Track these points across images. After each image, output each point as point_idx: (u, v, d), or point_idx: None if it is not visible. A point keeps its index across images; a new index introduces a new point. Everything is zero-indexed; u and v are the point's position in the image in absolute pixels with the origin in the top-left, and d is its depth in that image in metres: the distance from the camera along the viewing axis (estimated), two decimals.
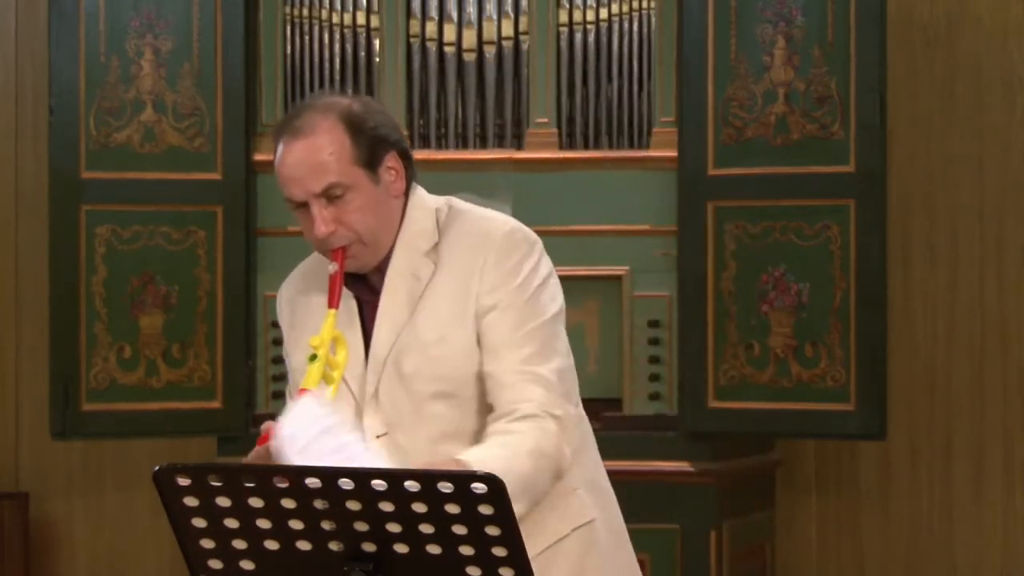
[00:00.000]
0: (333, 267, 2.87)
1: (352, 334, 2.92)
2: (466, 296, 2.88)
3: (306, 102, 2.98)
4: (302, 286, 3.06)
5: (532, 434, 2.82)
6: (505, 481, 2.44)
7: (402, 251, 2.92)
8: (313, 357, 2.81)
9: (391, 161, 2.90)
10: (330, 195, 2.84)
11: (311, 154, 2.84)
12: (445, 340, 2.87)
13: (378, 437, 2.89)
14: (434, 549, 2.44)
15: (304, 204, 2.86)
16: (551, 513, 2.92)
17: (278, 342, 5.53)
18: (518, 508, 2.65)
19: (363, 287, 2.96)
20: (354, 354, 2.90)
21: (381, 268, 2.94)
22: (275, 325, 5.44)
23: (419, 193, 2.98)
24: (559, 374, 2.89)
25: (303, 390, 2.79)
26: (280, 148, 2.88)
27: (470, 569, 2.45)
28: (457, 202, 2.99)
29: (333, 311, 2.85)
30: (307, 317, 3.00)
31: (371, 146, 2.87)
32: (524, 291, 2.89)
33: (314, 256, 3.05)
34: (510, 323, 2.87)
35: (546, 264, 2.94)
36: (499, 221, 2.95)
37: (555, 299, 2.94)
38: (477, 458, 2.73)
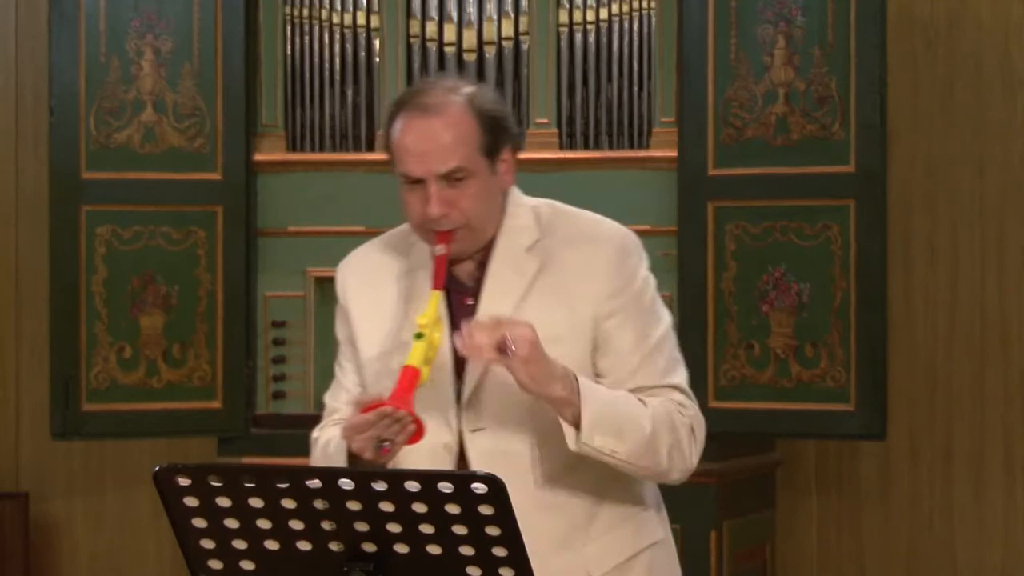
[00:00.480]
0: (440, 249, 2.85)
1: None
2: (580, 298, 2.87)
3: (431, 81, 2.98)
4: (370, 272, 3.02)
5: (668, 406, 2.86)
6: (610, 412, 2.60)
7: (504, 245, 2.91)
8: (419, 335, 2.77)
9: (506, 154, 2.91)
10: (451, 177, 2.83)
11: (440, 134, 2.83)
12: (561, 340, 2.84)
13: (473, 431, 2.87)
14: (434, 549, 2.44)
15: (418, 181, 2.85)
16: (628, 529, 2.94)
17: (278, 342, 5.56)
18: (621, 446, 2.75)
19: (449, 280, 2.93)
20: (444, 347, 2.86)
21: (475, 263, 2.92)
22: (275, 325, 5.50)
23: (515, 191, 2.98)
24: (688, 382, 2.95)
25: (408, 367, 2.74)
26: (402, 122, 2.87)
27: (470, 569, 2.45)
28: (558, 203, 3.00)
29: (439, 292, 2.84)
30: (378, 304, 2.98)
31: (495, 136, 2.87)
32: (643, 297, 2.91)
33: (379, 243, 3.06)
34: (633, 336, 2.88)
35: (649, 272, 2.97)
36: (610, 224, 2.96)
37: (663, 306, 2.97)
38: (593, 386, 2.78)
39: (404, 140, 2.86)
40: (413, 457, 2.84)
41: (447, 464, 2.87)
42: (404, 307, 2.94)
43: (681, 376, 2.94)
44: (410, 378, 2.73)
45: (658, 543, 3.00)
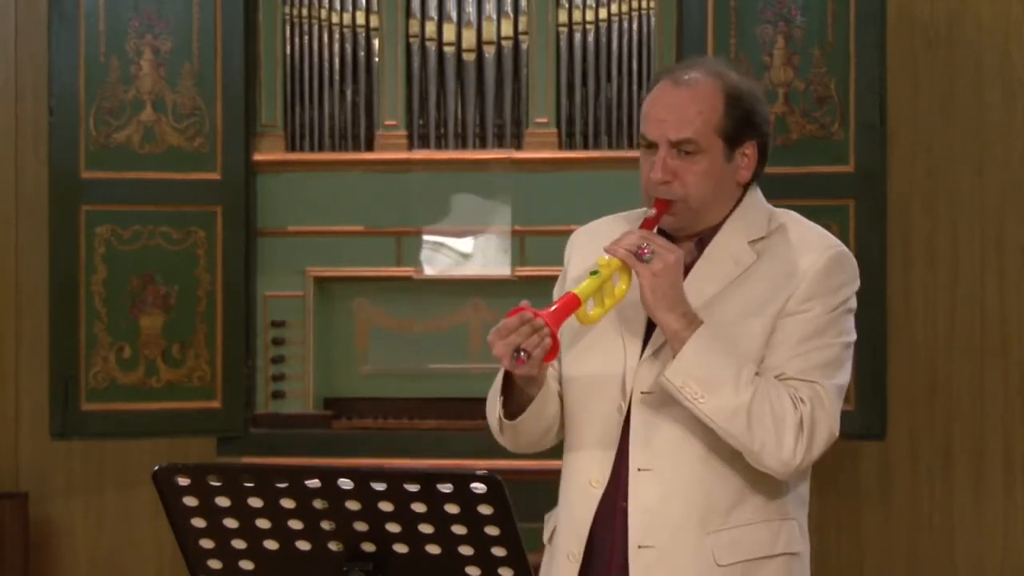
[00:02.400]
0: (650, 212, 2.90)
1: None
2: (778, 293, 2.89)
3: (700, 60, 3.10)
4: (597, 238, 2.99)
5: (786, 392, 2.85)
6: (712, 362, 2.72)
7: (729, 232, 2.94)
8: (595, 272, 2.82)
9: (749, 148, 2.94)
10: (682, 148, 2.89)
11: (683, 105, 2.90)
12: (744, 322, 2.87)
13: (643, 393, 2.88)
14: (434, 549, 2.44)
15: (653, 145, 2.91)
16: (766, 531, 2.93)
17: (277, 342, 5.56)
18: (708, 399, 2.78)
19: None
20: (637, 311, 2.88)
21: (697, 242, 2.94)
22: (275, 325, 5.50)
23: (758, 192, 3.00)
24: (837, 390, 2.92)
25: (571, 293, 2.79)
26: (657, 88, 2.95)
27: (469, 569, 2.45)
28: (795, 214, 3.01)
29: None
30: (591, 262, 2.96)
31: (738, 124, 2.92)
32: (835, 311, 2.91)
33: (614, 216, 3.07)
34: (808, 330, 2.88)
35: (855, 299, 2.97)
36: (834, 240, 2.97)
37: (853, 330, 2.96)
38: (710, 334, 2.81)
39: (650, 106, 2.95)
40: (589, 407, 2.89)
41: (614, 424, 2.88)
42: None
43: (832, 380, 2.91)
44: (567, 302, 2.78)
45: (797, 555, 2.96)
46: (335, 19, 5.52)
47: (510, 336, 2.75)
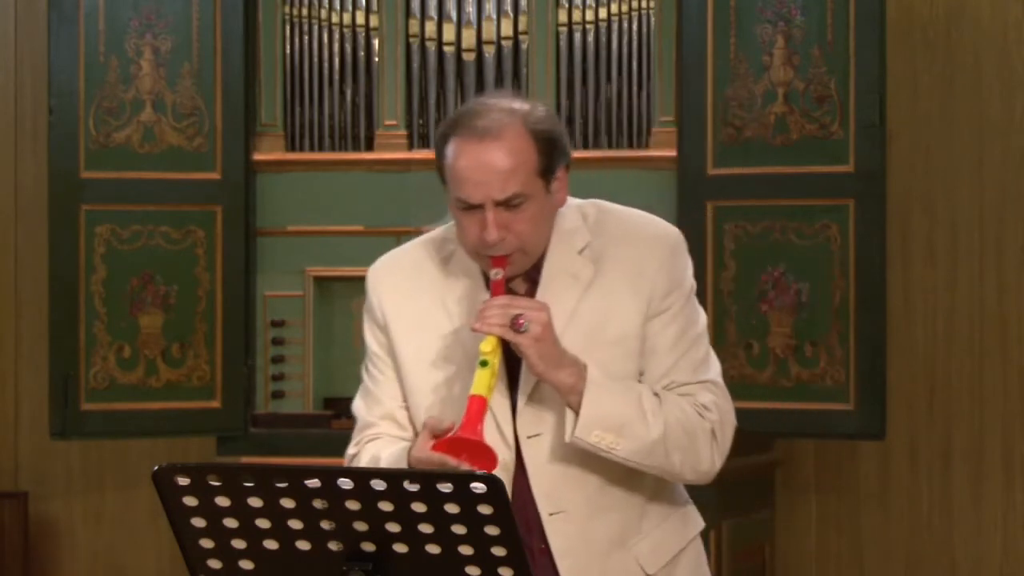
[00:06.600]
0: (497, 273, 2.80)
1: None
2: (635, 299, 2.87)
3: (484, 101, 2.85)
4: (408, 279, 2.96)
5: (689, 410, 2.85)
6: (614, 408, 2.65)
7: (557, 251, 2.88)
8: (484, 363, 2.74)
9: (560, 172, 2.85)
10: (509, 203, 2.77)
11: (499, 160, 2.76)
12: (622, 341, 2.85)
13: (530, 438, 2.86)
14: (433, 549, 2.44)
15: (474, 207, 2.79)
16: (675, 522, 2.97)
17: (277, 341, 5.56)
18: (621, 444, 2.76)
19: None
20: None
21: (527, 273, 2.89)
22: (275, 324, 5.50)
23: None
24: (721, 377, 2.94)
25: (476, 396, 2.71)
26: (458, 146, 2.79)
27: (469, 569, 2.45)
28: (601, 202, 2.97)
29: None
30: (419, 315, 2.92)
31: (551, 157, 2.81)
32: (689, 297, 2.92)
33: (415, 248, 3.00)
34: (679, 327, 2.88)
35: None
36: (660, 222, 2.95)
37: (701, 308, 2.97)
38: (602, 380, 2.77)
39: (461, 165, 2.78)
40: None
41: (505, 473, 2.81)
42: (447, 318, 2.91)
43: (714, 371, 2.93)
44: (479, 407, 2.71)
45: (699, 534, 3.02)
46: (335, 19, 5.52)
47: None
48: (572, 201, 2.93)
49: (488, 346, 2.74)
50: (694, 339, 2.90)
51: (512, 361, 2.83)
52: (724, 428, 2.91)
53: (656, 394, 2.85)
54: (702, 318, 2.95)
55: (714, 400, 2.90)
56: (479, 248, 2.81)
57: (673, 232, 2.94)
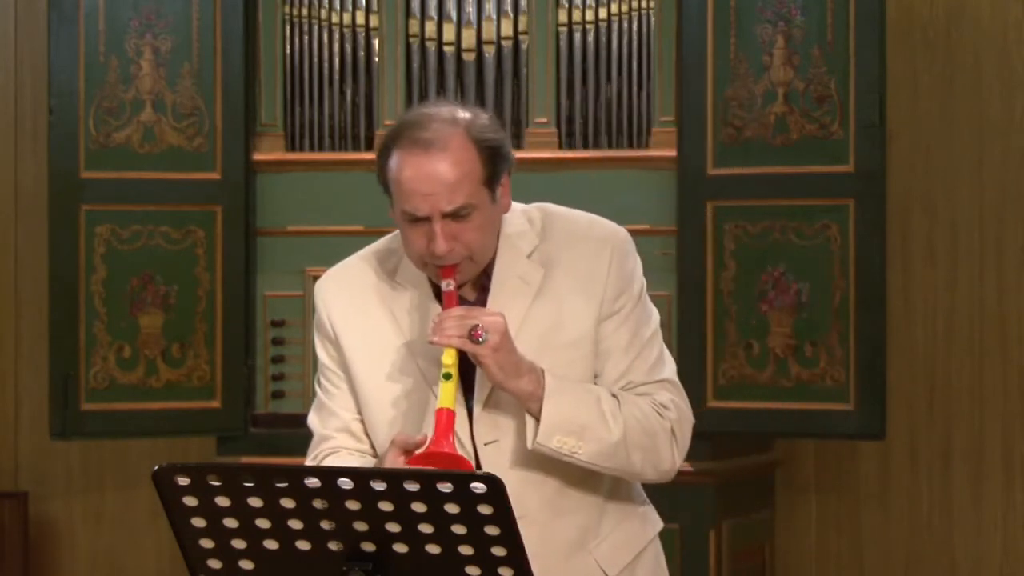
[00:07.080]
0: (448, 284, 2.80)
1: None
2: (586, 302, 2.87)
3: (424, 111, 2.84)
4: (356, 293, 2.98)
5: (647, 410, 2.86)
6: (573, 412, 2.65)
7: (505, 256, 2.89)
8: (447, 375, 2.74)
9: (504, 179, 2.85)
10: (456, 214, 2.77)
11: (445, 172, 2.75)
12: (576, 344, 2.86)
13: (487, 445, 2.87)
14: (433, 549, 2.44)
15: (421, 219, 2.79)
16: (634, 523, 2.98)
17: (277, 341, 5.56)
18: (583, 448, 2.76)
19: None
20: (438, 366, 2.82)
21: (476, 279, 2.90)
22: (274, 324, 5.50)
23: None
24: (676, 375, 2.96)
25: (444, 409, 2.72)
26: (402, 158, 2.78)
27: (469, 569, 2.45)
28: (546, 205, 2.97)
29: None
30: (369, 327, 2.93)
31: (495, 165, 2.81)
32: (640, 297, 2.93)
33: (362, 260, 3.02)
34: (632, 328, 2.90)
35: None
36: (605, 223, 2.96)
37: (653, 306, 2.98)
38: (560, 385, 2.77)
39: (406, 177, 2.78)
40: None
41: None
42: (397, 331, 2.92)
43: (669, 370, 2.95)
44: (448, 420, 2.72)
45: (657, 534, 3.03)
46: (335, 19, 5.52)
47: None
48: (516, 206, 2.94)
49: (449, 359, 2.75)
50: (648, 339, 2.92)
51: (466, 367, 2.82)
52: (683, 426, 2.93)
53: (614, 395, 2.86)
54: (655, 317, 2.95)
55: (672, 399, 2.91)
56: (427, 258, 2.82)
57: (621, 233, 2.95)
